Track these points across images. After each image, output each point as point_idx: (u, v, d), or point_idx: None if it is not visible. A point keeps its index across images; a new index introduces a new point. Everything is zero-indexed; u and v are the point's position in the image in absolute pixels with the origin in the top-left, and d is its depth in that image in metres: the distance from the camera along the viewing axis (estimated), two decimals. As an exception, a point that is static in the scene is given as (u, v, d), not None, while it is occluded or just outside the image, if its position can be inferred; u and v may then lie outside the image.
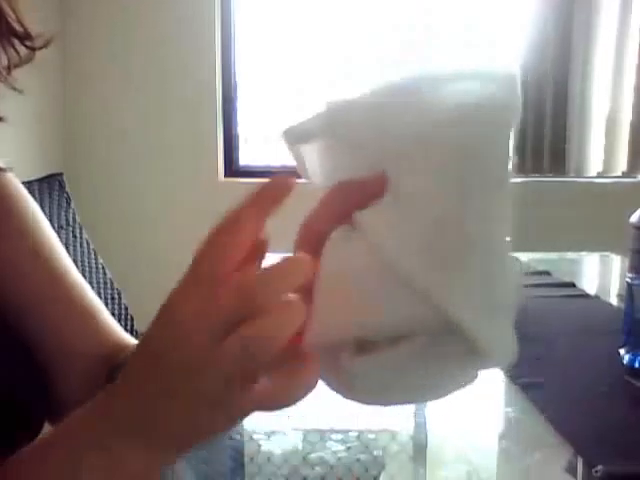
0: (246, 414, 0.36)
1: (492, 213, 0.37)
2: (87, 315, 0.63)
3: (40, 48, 0.61)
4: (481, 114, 0.36)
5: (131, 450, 0.37)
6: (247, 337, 0.34)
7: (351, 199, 0.37)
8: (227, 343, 0.34)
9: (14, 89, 0.60)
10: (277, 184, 0.38)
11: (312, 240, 0.38)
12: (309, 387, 0.36)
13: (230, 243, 0.37)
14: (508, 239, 0.38)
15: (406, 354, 0.36)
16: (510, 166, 0.37)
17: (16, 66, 0.60)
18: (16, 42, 0.59)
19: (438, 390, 0.41)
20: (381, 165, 0.37)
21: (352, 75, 2.93)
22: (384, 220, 0.37)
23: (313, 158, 0.41)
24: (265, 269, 0.36)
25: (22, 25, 0.58)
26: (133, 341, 0.65)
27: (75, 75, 2.91)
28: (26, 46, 0.60)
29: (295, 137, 0.41)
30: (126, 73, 2.89)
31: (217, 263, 0.36)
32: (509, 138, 0.37)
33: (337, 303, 0.36)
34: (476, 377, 0.41)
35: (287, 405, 0.36)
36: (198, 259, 0.37)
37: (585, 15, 2.74)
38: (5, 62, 0.59)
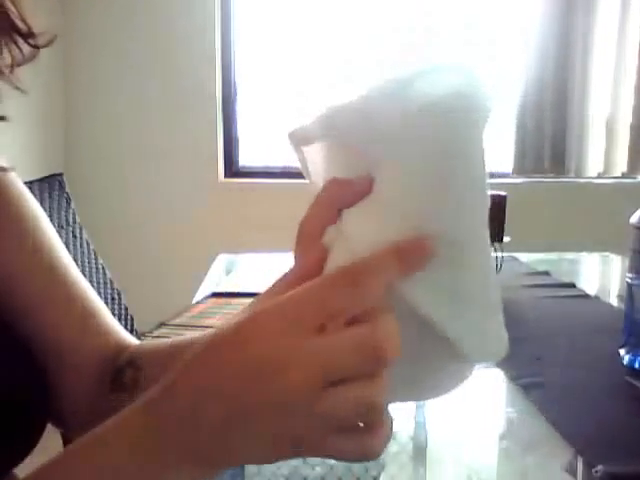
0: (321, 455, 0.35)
1: (467, 212, 0.37)
2: (87, 315, 0.63)
3: (44, 46, 0.60)
4: (448, 110, 0.36)
5: (180, 468, 0.35)
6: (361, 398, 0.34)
7: (337, 199, 0.39)
8: (335, 394, 0.33)
9: (17, 88, 0.60)
10: (420, 247, 0.36)
11: (306, 240, 0.39)
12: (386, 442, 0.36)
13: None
14: (487, 238, 0.38)
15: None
16: (485, 162, 0.37)
17: (19, 64, 0.59)
18: (19, 40, 0.58)
19: (436, 388, 0.41)
20: (371, 166, 0.38)
21: (352, 76, 2.92)
22: (361, 220, 0.38)
23: (316, 160, 0.42)
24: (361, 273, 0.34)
25: (25, 22, 0.58)
26: (134, 341, 0.65)
27: (76, 75, 2.91)
28: (29, 44, 0.59)
29: (297, 139, 0.42)
30: (126, 73, 2.89)
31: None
32: (482, 128, 0.37)
33: None
34: (471, 374, 0.41)
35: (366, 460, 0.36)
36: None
37: (585, 16, 2.74)
38: (8, 60, 0.58)
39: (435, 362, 0.39)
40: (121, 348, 0.63)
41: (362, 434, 0.35)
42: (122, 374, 0.60)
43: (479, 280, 0.38)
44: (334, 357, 0.33)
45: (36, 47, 0.60)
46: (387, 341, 0.34)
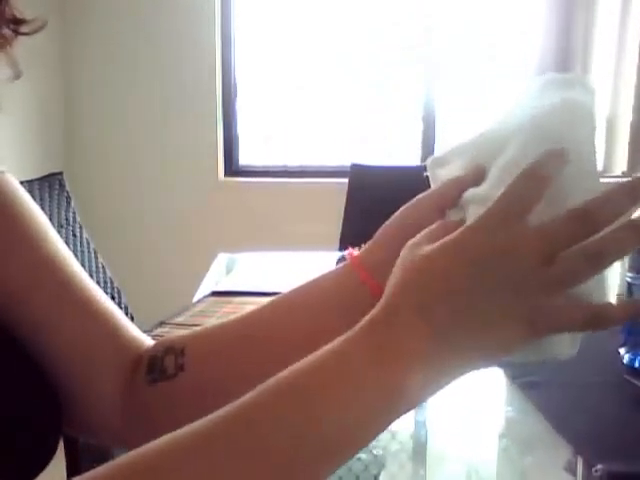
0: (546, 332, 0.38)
1: (572, 186, 0.41)
2: (106, 319, 0.60)
3: (28, 33, 0.56)
4: (561, 112, 0.45)
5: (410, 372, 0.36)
6: (587, 249, 0.36)
7: (458, 188, 0.48)
8: (560, 259, 0.36)
9: (14, 72, 0.56)
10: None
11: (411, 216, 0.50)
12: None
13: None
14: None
15: None
16: (595, 156, 0.43)
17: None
18: (1, 26, 0.55)
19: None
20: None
21: (351, 74, 2.92)
22: (473, 196, 0.47)
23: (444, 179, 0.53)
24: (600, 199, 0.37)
25: (9, 7, 0.54)
26: (146, 337, 0.64)
27: (75, 75, 2.91)
28: (16, 32, 0.56)
29: (435, 164, 0.54)
30: (126, 73, 2.89)
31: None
32: (592, 131, 0.44)
33: None
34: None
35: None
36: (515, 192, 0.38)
37: (585, 15, 2.74)
38: None
39: None
40: (139, 343, 0.61)
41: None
42: (160, 362, 0.58)
43: None
44: (552, 230, 0.36)
45: (21, 34, 0.56)
46: (600, 208, 0.37)
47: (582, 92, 0.46)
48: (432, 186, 0.53)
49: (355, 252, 0.54)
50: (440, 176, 0.53)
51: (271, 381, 0.37)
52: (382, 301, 0.39)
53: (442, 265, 0.38)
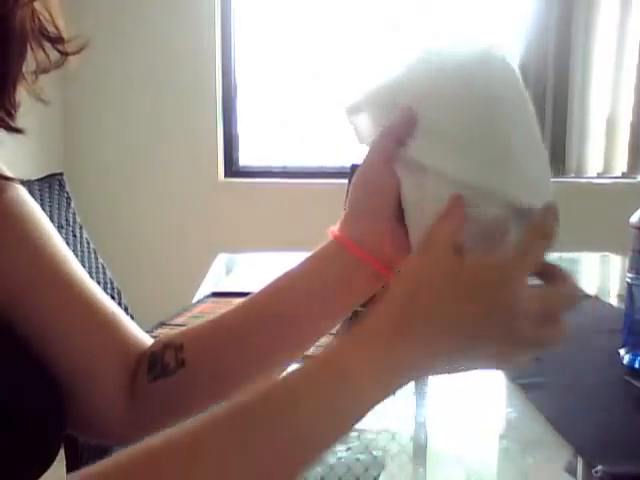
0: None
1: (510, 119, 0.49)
2: (108, 320, 0.60)
3: (73, 53, 0.57)
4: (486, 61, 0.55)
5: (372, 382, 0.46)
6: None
7: (393, 137, 0.52)
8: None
9: (40, 99, 0.56)
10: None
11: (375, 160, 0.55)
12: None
13: None
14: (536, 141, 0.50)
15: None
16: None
17: (44, 71, 0.56)
18: (47, 45, 0.55)
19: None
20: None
21: (352, 73, 2.92)
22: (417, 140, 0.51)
23: (364, 125, 0.56)
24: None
25: (55, 27, 0.55)
26: (148, 337, 0.64)
27: (75, 74, 2.91)
28: (58, 50, 0.56)
29: (349, 111, 0.56)
30: (126, 73, 2.89)
31: None
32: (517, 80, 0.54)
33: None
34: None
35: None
36: None
37: (585, 15, 2.74)
38: (33, 66, 0.55)
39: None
40: (141, 342, 0.62)
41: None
42: (161, 358, 0.59)
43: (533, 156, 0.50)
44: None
45: (65, 54, 0.56)
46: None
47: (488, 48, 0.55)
48: (355, 134, 0.56)
49: (335, 229, 0.58)
50: (360, 123, 0.55)
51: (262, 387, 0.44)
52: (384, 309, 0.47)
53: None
